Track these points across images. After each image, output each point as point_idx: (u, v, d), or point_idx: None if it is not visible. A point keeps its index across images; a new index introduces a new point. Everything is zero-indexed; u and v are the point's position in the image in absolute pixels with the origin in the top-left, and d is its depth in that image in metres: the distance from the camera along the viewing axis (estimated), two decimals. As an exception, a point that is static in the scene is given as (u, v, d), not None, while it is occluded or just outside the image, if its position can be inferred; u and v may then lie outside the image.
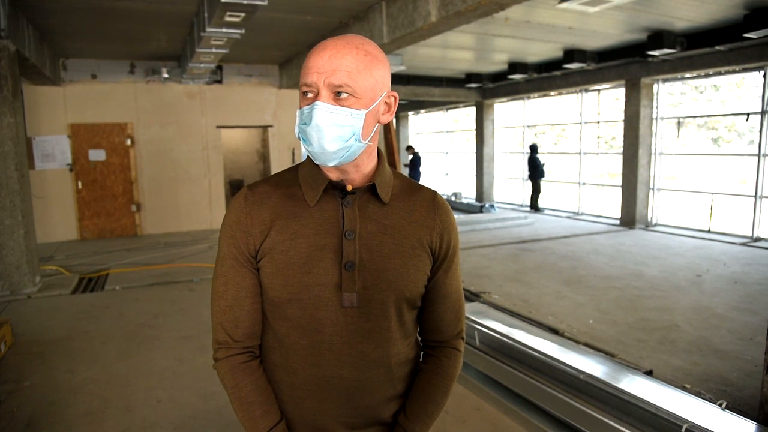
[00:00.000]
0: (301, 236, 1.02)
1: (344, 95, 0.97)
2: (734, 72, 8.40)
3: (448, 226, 1.12)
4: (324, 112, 0.96)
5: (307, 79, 0.97)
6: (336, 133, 0.97)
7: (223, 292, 1.06)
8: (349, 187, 1.04)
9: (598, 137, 16.96)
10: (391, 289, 1.05)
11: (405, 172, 14.14)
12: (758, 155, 7.97)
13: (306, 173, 1.07)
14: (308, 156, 1.10)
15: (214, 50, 6.23)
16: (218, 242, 1.10)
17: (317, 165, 1.06)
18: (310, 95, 0.98)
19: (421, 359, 1.19)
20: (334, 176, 1.05)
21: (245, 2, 4.47)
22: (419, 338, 1.20)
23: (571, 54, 8.49)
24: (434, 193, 1.14)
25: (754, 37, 6.32)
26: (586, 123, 11.42)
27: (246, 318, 1.06)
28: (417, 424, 1.11)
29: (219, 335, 1.07)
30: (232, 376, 1.06)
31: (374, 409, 1.09)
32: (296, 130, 1.02)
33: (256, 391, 1.06)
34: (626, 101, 9.40)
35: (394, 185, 1.11)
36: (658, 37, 7.19)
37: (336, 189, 1.05)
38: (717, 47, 7.27)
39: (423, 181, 14.36)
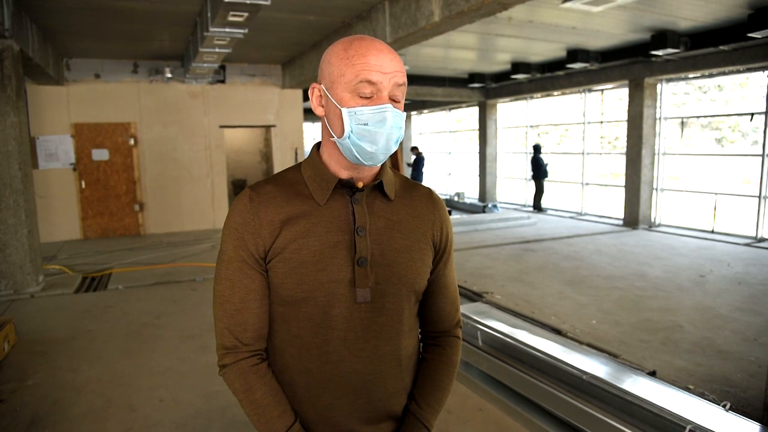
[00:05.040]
0: (312, 235, 1.03)
1: (399, 98, 1.01)
2: (738, 72, 8.36)
3: (445, 220, 1.18)
4: (396, 114, 0.99)
5: (372, 77, 0.97)
6: (398, 134, 1.01)
7: (229, 295, 1.05)
8: (360, 185, 1.06)
9: (602, 137, 16.94)
10: (402, 282, 1.08)
11: (408, 171, 14.15)
12: (762, 155, 7.94)
13: (312, 173, 1.08)
14: (310, 156, 1.11)
15: (217, 50, 6.24)
16: (221, 245, 1.08)
17: (323, 164, 1.07)
18: (369, 95, 0.98)
19: (422, 350, 1.23)
20: (344, 175, 1.06)
21: (248, 2, 4.47)
22: (419, 330, 1.24)
23: (574, 54, 8.48)
24: (429, 189, 1.20)
25: (759, 36, 6.28)
26: (589, 123, 11.40)
27: (254, 321, 1.06)
28: (428, 411, 1.15)
29: (226, 340, 1.06)
30: (244, 380, 1.05)
31: (386, 402, 1.11)
32: (347, 129, 0.99)
33: (269, 393, 1.06)
34: (629, 101, 9.38)
35: (394, 182, 1.15)
36: (662, 37, 7.17)
37: (344, 187, 1.06)
38: (721, 47, 7.24)
39: (425, 181, 14.35)
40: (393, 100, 1.00)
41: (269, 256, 1.04)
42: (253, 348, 1.08)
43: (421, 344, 1.24)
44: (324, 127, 1.07)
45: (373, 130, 0.98)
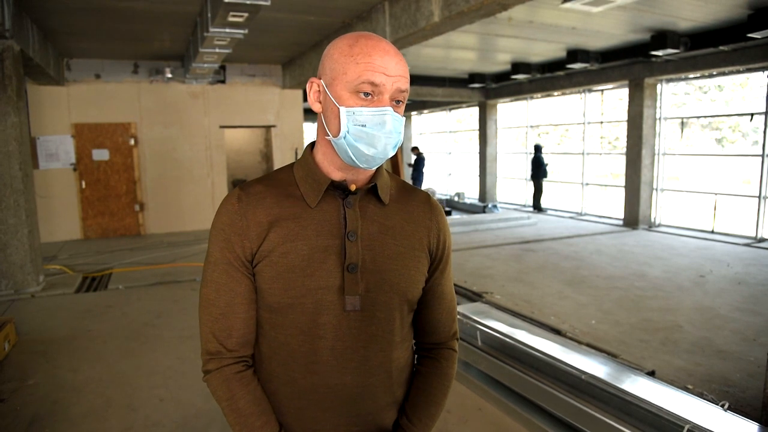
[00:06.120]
0: (301, 238, 0.99)
1: (401, 103, 0.98)
2: (738, 72, 8.37)
3: (443, 227, 1.13)
4: (396, 118, 0.96)
5: (375, 78, 0.93)
6: (397, 139, 0.98)
7: (215, 299, 1.01)
8: (353, 188, 1.02)
9: (602, 137, 16.93)
10: (394, 291, 1.03)
11: (408, 172, 14.16)
12: (762, 155, 7.94)
13: (304, 174, 1.04)
14: (303, 156, 1.07)
15: (217, 50, 6.25)
16: (208, 246, 1.04)
17: (316, 164, 1.04)
18: (370, 96, 0.95)
19: (416, 362, 1.18)
20: (337, 177, 1.02)
21: (248, 2, 4.48)
22: (413, 341, 1.19)
23: (574, 54, 8.48)
24: (427, 194, 1.15)
25: (759, 37, 6.29)
26: (589, 123, 11.41)
27: (240, 326, 1.02)
28: (420, 428, 1.10)
29: (210, 345, 1.02)
30: (227, 387, 1.01)
31: (375, 416, 1.07)
32: (343, 129, 0.95)
33: (253, 402, 1.02)
34: (630, 101, 9.38)
35: (390, 186, 1.10)
36: (662, 37, 7.17)
37: (337, 189, 1.02)
38: (721, 47, 7.25)
39: (426, 181, 14.36)
40: (394, 104, 0.97)
41: (256, 259, 1.00)
42: (238, 354, 1.03)
43: (416, 356, 1.19)
44: (320, 124, 1.03)
45: (370, 133, 0.94)
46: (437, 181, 16.63)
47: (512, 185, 14.07)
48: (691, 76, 8.92)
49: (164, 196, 9.30)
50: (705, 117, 17.86)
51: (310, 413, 1.04)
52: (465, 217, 10.53)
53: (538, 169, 11.71)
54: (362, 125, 0.95)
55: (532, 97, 12.39)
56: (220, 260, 1.01)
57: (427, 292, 1.12)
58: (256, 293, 1.03)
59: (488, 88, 12.49)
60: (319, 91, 1.01)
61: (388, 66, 0.94)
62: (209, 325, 1.02)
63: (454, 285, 1.35)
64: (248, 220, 1.00)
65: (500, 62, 9.96)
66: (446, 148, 16.73)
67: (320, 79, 1.01)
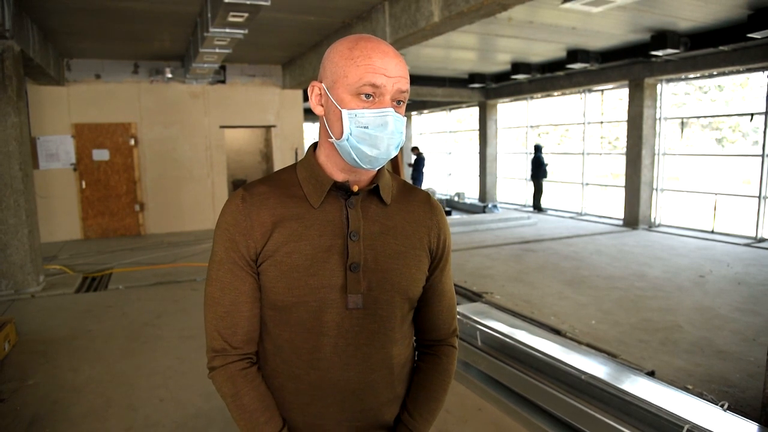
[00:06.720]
0: (305, 238, 1.01)
1: (401, 103, 1.00)
2: (738, 72, 8.38)
3: (443, 226, 1.15)
4: (398, 119, 0.98)
5: (376, 80, 0.95)
6: (399, 140, 0.99)
7: (219, 297, 1.03)
8: (356, 188, 1.04)
9: (602, 137, 16.92)
10: (395, 289, 1.05)
11: (408, 172, 14.16)
12: (762, 156, 7.95)
13: (307, 174, 1.06)
14: (306, 157, 1.09)
15: (217, 50, 6.25)
16: (213, 245, 1.06)
17: (319, 166, 1.05)
18: (372, 98, 0.96)
19: (417, 358, 1.21)
20: (340, 177, 1.04)
21: (248, 2, 4.48)
22: (414, 338, 1.21)
23: (574, 54, 8.48)
24: (428, 194, 1.17)
25: (758, 37, 6.29)
26: (589, 123, 11.41)
27: (244, 324, 1.04)
28: (421, 423, 1.13)
29: (215, 343, 1.04)
30: (232, 384, 1.04)
31: (377, 411, 1.09)
32: (346, 131, 0.97)
33: (257, 398, 1.04)
34: (630, 101, 9.38)
35: (392, 186, 1.12)
36: (662, 38, 7.17)
37: (339, 190, 1.04)
38: (721, 47, 7.25)
39: (426, 181, 14.37)
40: (395, 105, 0.98)
41: (260, 258, 1.02)
42: (243, 351, 1.06)
43: (416, 352, 1.21)
44: (322, 127, 1.04)
45: (373, 134, 0.96)
46: (437, 181, 16.63)
47: (512, 185, 14.07)
48: (691, 76, 8.92)
49: (164, 196, 9.30)
50: (705, 117, 17.86)
51: (313, 408, 1.06)
52: (465, 217, 10.53)
53: (538, 169, 11.71)
54: (365, 127, 0.96)
55: (532, 97, 12.39)
56: (225, 260, 1.03)
57: (428, 290, 1.14)
58: (260, 292, 1.05)
59: (488, 88, 12.50)
60: (320, 94, 1.02)
61: (388, 67, 0.96)
62: (214, 323, 1.04)
63: (454, 285, 1.36)
64: (252, 221, 1.02)
65: (500, 62, 9.96)
66: (446, 148, 16.73)
67: (321, 82, 1.02)
